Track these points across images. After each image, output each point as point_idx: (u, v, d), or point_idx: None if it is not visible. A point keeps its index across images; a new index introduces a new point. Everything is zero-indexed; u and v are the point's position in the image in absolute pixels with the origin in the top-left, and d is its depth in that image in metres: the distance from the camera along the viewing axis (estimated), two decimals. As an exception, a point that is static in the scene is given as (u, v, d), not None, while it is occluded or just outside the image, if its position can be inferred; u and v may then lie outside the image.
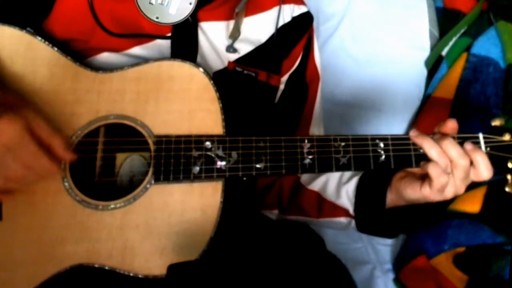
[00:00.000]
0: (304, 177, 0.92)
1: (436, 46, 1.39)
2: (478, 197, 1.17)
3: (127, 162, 0.77)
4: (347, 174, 0.87)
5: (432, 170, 0.70)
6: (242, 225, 0.81)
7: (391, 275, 1.21)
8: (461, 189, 0.72)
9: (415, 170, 0.76)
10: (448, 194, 0.71)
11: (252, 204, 0.95)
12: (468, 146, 0.71)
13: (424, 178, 0.73)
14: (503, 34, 1.31)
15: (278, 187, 0.94)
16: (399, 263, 1.21)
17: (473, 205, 1.17)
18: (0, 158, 0.63)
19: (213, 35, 0.86)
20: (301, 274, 0.68)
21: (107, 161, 0.77)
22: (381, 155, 0.75)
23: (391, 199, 0.80)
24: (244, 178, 0.74)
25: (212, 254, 0.72)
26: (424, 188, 0.72)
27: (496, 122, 0.76)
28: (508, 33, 1.31)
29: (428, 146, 0.70)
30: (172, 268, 0.70)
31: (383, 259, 1.24)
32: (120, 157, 0.77)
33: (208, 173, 0.73)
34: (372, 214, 0.82)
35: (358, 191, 0.84)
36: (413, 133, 0.73)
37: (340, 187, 0.87)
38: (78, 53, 0.81)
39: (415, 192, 0.74)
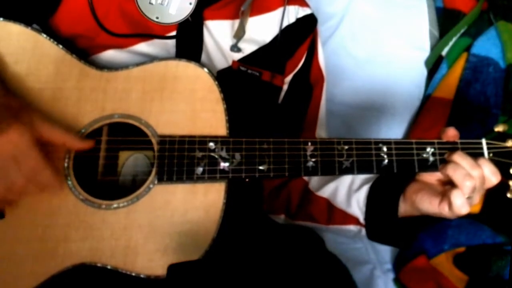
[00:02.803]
0: (313, 183, 0.92)
1: (436, 46, 1.39)
2: (478, 197, 1.17)
3: (130, 161, 0.77)
4: (358, 181, 0.87)
5: (456, 199, 0.69)
6: (244, 226, 0.81)
7: (391, 275, 1.21)
8: (476, 201, 0.72)
9: (433, 182, 0.76)
10: (466, 211, 0.70)
11: (258, 207, 0.94)
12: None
13: (444, 194, 0.72)
14: (503, 34, 1.31)
15: (286, 193, 0.94)
16: (399, 263, 1.21)
17: (473, 205, 1.17)
18: (6, 168, 0.63)
19: (218, 34, 0.86)
20: (301, 274, 0.68)
21: (110, 160, 0.77)
22: (384, 159, 0.74)
23: (405, 209, 0.79)
24: (247, 180, 0.74)
25: (212, 254, 0.72)
26: (442, 207, 0.72)
27: (499, 128, 0.76)
28: (508, 33, 1.31)
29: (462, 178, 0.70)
30: (172, 268, 0.70)
31: (383, 259, 1.24)
32: (122, 155, 0.77)
33: (211, 174, 0.73)
34: (384, 223, 0.82)
35: (369, 200, 0.83)
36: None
37: (350, 194, 0.86)
38: (83, 50, 0.81)
39: (433, 208, 0.73)
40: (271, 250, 0.73)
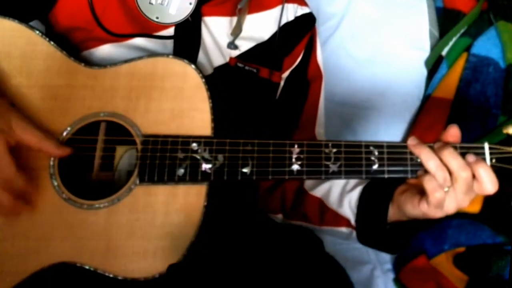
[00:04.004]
0: (308, 182, 0.91)
1: (436, 46, 1.39)
2: (478, 197, 1.17)
3: (125, 157, 0.77)
4: (352, 181, 0.85)
5: (427, 184, 0.66)
6: (242, 226, 0.81)
7: (391, 275, 1.21)
8: (464, 203, 0.66)
9: (416, 182, 0.71)
10: (449, 209, 0.66)
11: (253, 206, 0.94)
12: (471, 158, 0.66)
13: (423, 192, 0.67)
14: (503, 34, 1.31)
15: (281, 191, 0.93)
16: (399, 263, 1.21)
17: (473, 205, 1.17)
18: None
19: (216, 30, 0.87)
20: (299, 275, 0.67)
21: (105, 160, 0.76)
22: (374, 163, 0.70)
23: (393, 213, 0.76)
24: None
25: (211, 254, 0.72)
26: (422, 204, 0.68)
27: (508, 130, 0.70)
28: (508, 33, 1.31)
29: (426, 158, 0.66)
30: (172, 268, 0.70)
31: (383, 259, 1.24)
32: (119, 150, 0.77)
33: (193, 176, 0.71)
34: (373, 228, 0.79)
35: (361, 203, 0.81)
36: (411, 142, 0.69)
37: (343, 195, 0.84)
38: (81, 42, 0.82)
39: (414, 208, 0.69)
40: (269, 250, 0.72)
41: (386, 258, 1.25)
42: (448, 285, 1.13)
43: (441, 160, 0.66)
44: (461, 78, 1.31)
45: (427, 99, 1.35)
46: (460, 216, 1.17)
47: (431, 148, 0.68)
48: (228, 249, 0.74)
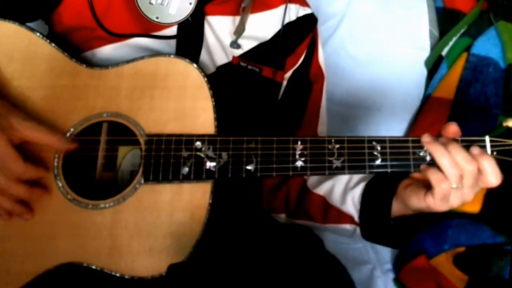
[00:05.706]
0: (311, 181, 0.91)
1: (436, 46, 1.39)
2: (478, 197, 1.17)
3: (128, 157, 0.77)
4: (355, 178, 0.85)
5: (432, 177, 0.66)
6: (243, 226, 0.81)
7: (391, 275, 1.21)
8: (469, 197, 0.68)
9: (423, 177, 0.72)
10: (454, 203, 0.68)
11: (257, 205, 0.94)
12: (475, 150, 0.67)
13: (428, 186, 0.69)
14: (503, 34, 1.31)
15: (285, 191, 0.94)
16: (399, 263, 1.21)
17: (473, 205, 1.17)
18: None
19: (219, 29, 0.87)
20: (299, 274, 0.68)
21: (108, 160, 0.77)
22: (377, 158, 0.71)
23: (397, 208, 0.77)
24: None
25: (210, 254, 0.72)
26: (427, 197, 0.69)
27: (508, 123, 0.71)
28: (508, 33, 1.31)
29: (440, 155, 0.67)
30: (172, 268, 0.70)
31: (383, 259, 1.24)
32: (122, 150, 0.77)
33: (197, 174, 0.72)
34: (377, 224, 0.80)
35: (364, 198, 0.82)
36: (426, 139, 0.70)
37: (346, 192, 0.85)
38: (83, 43, 0.82)
39: (419, 202, 0.70)
40: (269, 249, 0.73)
41: (386, 258, 1.24)
42: (448, 285, 1.13)
43: None
44: (461, 78, 1.31)
45: (427, 99, 1.35)
46: (460, 216, 1.17)
47: None
48: (230, 248, 0.74)
